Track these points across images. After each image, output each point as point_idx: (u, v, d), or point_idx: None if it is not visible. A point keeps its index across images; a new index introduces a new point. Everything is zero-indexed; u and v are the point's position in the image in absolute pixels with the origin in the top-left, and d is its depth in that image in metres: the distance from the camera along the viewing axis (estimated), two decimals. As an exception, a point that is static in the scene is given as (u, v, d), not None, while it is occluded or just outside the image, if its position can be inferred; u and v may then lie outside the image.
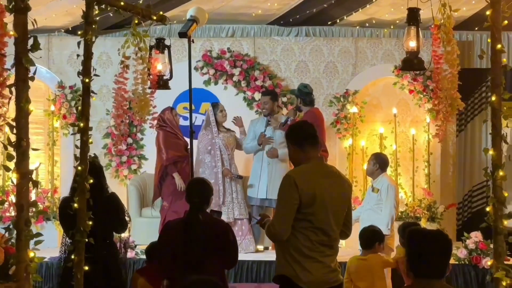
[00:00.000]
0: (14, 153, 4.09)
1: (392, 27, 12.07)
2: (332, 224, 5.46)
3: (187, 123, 9.98)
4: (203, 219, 6.11)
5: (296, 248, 5.43)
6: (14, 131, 4.13)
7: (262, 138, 10.36)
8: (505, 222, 4.90)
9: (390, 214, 9.04)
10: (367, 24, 12.20)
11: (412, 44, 7.22)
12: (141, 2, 9.29)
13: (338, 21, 12.18)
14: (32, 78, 4.18)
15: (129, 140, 11.97)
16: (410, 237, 4.14)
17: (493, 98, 4.88)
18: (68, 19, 11.55)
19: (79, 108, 5.20)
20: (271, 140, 10.38)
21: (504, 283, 4.77)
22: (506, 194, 4.88)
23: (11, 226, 4.18)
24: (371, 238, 7.53)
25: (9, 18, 4.47)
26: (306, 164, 5.53)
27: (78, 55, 5.58)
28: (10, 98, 4.19)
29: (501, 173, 4.86)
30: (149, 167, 11.64)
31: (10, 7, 4.12)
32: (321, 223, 5.41)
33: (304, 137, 5.57)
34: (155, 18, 6.52)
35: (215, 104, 10.76)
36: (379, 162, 9.29)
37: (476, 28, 11.88)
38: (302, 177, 5.42)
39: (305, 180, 5.40)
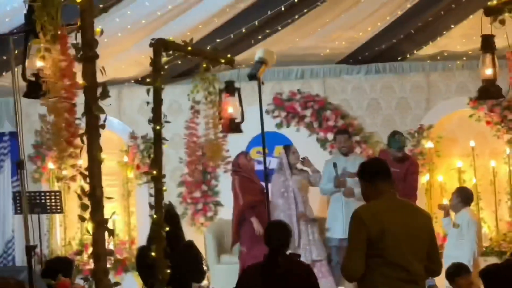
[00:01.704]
0: (88, 203, 4.05)
1: (464, 58, 11.88)
2: (410, 258, 5.31)
3: (261, 167, 9.93)
4: (283, 261, 6.02)
5: (375, 286, 5.32)
6: (88, 180, 4.10)
7: (338, 182, 10.26)
8: None
9: (471, 250, 8.86)
10: (438, 57, 12.03)
11: (489, 71, 7.03)
12: (208, 48, 9.38)
13: (408, 56, 12.05)
14: (103, 126, 4.15)
15: (204, 187, 11.96)
16: (485, 278, 3.95)
17: None
18: (137, 69, 11.67)
19: (152, 156, 5.16)
20: (349, 175, 10.24)
21: None
22: None
23: (89, 277, 4.13)
24: (452, 272, 7.47)
25: (78, 67, 4.46)
26: (376, 200, 5.46)
27: (148, 103, 5.57)
28: (82, 148, 4.15)
29: None
30: (225, 213, 11.59)
31: (79, 56, 4.12)
32: (395, 258, 5.28)
33: (376, 172, 5.53)
34: (223, 61, 6.49)
35: (287, 147, 10.72)
36: (461, 196, 9.19)
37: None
38: (369, 212, 5.37)
39: (372, 214, 5.34)
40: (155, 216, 5.26)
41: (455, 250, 8.93)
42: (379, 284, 5.31)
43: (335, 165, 10.28)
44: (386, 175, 5.52)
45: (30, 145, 11.84)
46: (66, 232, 11.90)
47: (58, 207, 10.64)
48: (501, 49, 7.72)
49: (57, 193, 10.75)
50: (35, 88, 4.96)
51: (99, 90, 4.20)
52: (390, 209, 5.40)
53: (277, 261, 6.01)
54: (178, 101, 11.82)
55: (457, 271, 7.45)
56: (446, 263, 8.01)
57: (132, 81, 12.15)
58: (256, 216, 10.31)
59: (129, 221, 11.83)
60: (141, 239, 11.50)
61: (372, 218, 5.31)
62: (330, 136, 11.81)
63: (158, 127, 5.28)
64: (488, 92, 7.17)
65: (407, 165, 10.30)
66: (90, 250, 11.13)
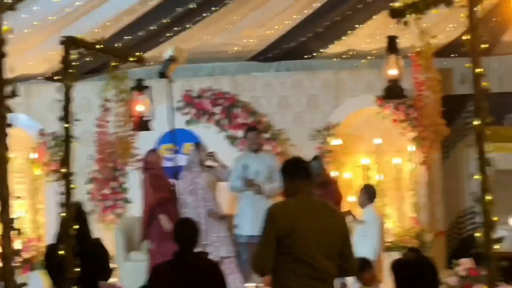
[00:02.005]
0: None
1: (370, 57, 12.08)
2: (318, 256, 5.41)
3: (171, 164, 9.95)
4: (192, 259, 6.08)
5: (284, 282, 5.43)
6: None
7: (248, 183, 10.35)
8: (496, 247, 4.86)
9: (375, 245, 9.05)
10: (346, 56, 12.21)
11: (393, 72, 7.21)
12: (118, 45, 9.35)
13: (317, 54, 12.21)
14: (10, 126, 4.13)
15: (113, 184, 11.90)
16: (395, 270, 4.05)
17: (477, 123, 4.87)
18: (46, 66, 11.52)
19: (62, 154, 5.13)
20: (257, 184, 10.37)
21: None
22: (496, 219, 4.85)
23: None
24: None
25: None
26: (292, 198, 5.58)
27: (58, 101, 5.54)
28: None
29: (489, 197, 4.83)
30: (134, 210, 11.56)
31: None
32: (303, 255, 5.39)
33: (296, 170, 5.63)
34: (133, 59, 6.50)
35: (198, 144, 10.77)
36: (367, 193, 9.38)
37: (454, 55, 11.91)
38: (280, 210, 5.51)
39: (283, 212, 5.47)
40: (64, 214, 5.24)
41: (360, 246, 9.06)
42: (287, 280, 5.41)
43: (246, 166, 10.37)
44: (306, 174, 5.63)
45: None
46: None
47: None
48: (406, 49, 7.94)
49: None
50: None
51: (8, 89, 4.17)
52: (303, 208, 5.51)
53: (186, 258, 6.07)
54: (88, 98, 11.67)
55: (361, 266, 7.60)
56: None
57: (42, 78, 11.99)
58: (165, 213, 10.30)
59: (36, 219, 11.68)
60: (49, 237, 11.39)
61: (283, 215, 5.43)
62: (239, 133, 11.88)
63: (68, 125, 5.25)
64: (392, 92, 7.35)
65: (330, 191, 10.40)
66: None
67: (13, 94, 4.14)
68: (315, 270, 5.41)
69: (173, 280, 6.04)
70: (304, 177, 5.61)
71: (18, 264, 10.22)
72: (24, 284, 4.11)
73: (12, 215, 4.09)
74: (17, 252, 4.08)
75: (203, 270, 6.12)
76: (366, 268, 7.63)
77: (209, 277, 6.11)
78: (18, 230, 4.09)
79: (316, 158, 10.54)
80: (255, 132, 10.75)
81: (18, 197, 4.29)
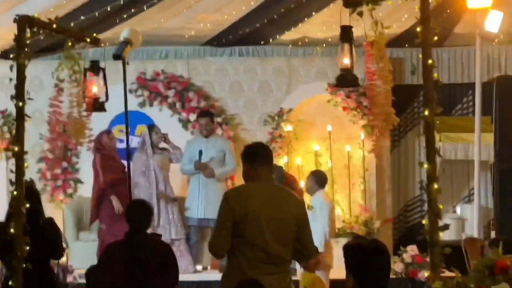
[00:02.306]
0: None
1: (324, 45, 12.18)
2: (270, 241, 5.50)
3: (123, 145, 9.95)
4: (143, 240, 6.13)
5: (237, 265, 5.54)
6: None
7: (197, 165, 10.40)
8: (441, 234, 4.98)
9: (323, 231, 9.10)
10: (300, 43, 12.31)
11: (346, 61, 7.28)
12: (72, 25, 9.32)
13: (271, 40, 12.27)
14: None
15: (64, 164, 11.86)
16: (353, 252, 4.09)
17: (427, 113, 4.97)
18: (-3, 43, 11.44)
19: (13, 132, 5.13)
20: (208, 167, 10.41)
21: (441, 294, 4.84)
22: (441, 207, 4.97)
23: None
24: None
25: None
26: (250, 183, 5.68)
27: (10, 79, 5.53)
28: None
29: (436, 186, 4.94)
30: (85, 190, 11.57)
31: None
32: (255, 239, 5.49)
33: (255, 155, 5.71)
34: (88, 40, 6.50)
35: (151, 126, 10.79)
36: (316, 179, 9.38)
37: (407, 45, 12.07)
38: (236, 195, 5.64)
39: (239, 197, 5.58)
40: (15, 192, 5.25)
41: (310, 231, 9.17)
42: (239, 263, 5.53)
43: (200, 152, 10.41)
44: (266, 160, 5.72)
45: None
46: None
47: None
48: (359, 37, 8.01)
49: None
50: None
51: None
52: (258, 193, 5.60)
53: (137, 239, 6.12)
54: (40, 77, 11.61)
55: None
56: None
57: (-7, 55, 11.88)
58: (116, 195, 10.33)
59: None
60: (-2, 215, 11.34)
61: (238, 200, 5.55)
62: (192, 116, 11.90)
63: (21, 104, 5.26)
64: (345, 80, 7.41)
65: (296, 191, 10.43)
66: None
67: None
68: (267, 254, 5.51)
69: (124, 261, 6.08)
70: (262, 163, 5.69)
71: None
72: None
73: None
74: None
75: (155, 251, 6.18)
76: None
77: (161, 258, 6.18)
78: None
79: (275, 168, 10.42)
80: (207, 118, 10.78)
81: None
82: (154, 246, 6.25)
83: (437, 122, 5.00)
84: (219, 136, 11.18)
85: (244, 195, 5.61)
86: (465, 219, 11.73)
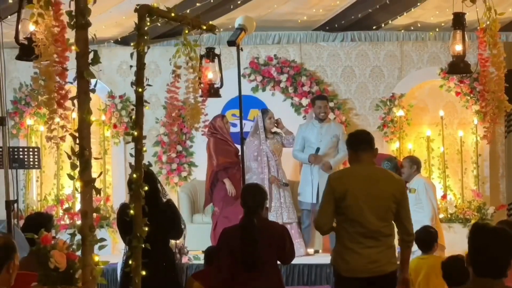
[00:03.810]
0: (77, 163, 4.24)
1: (437, 29, 12.07)
2: (368, 216, 6.03)
3: (236, 129, 10.12)
4: (259, 223, 6.28)
5: (340, 240, 6.18)
6: (77, 141, 4.29)
7: (313, 159, 10.51)
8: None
9: (431, 211, 9.22)
10: (412, 28, 12.23)
11: (458, 48, 7.29)
12: (188, 12, 9.52)
13: (383, 25, 12.23)
14: (93, 91, 4.35)
15: (179, 147, 12.12)
16: (473, 232, 4.14)
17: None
18: (117, 30, 11.76)
19: (132, 117, 5.31)
20: (322, 160, 10.48)
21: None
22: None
23: (76, 232, 4.33)
24: (429, 240, 7.60)
25: (69, 34, 4.63)
26: (351, 166, 6.30)
27: (131, 66, 5.73)
28: (72, 110, 4.34)
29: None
30: (199, 174, 11.82)
31: (72, 23, 4.27)
32: (354, 215, 6.05)
33: (359, 142, 6.26)
34: (205, 28, 6.64)
35: (265, 111, 10.89)
36: (414, 163, 9.61)
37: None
38: (338, 176, 6.32)
39: (340, 178, 6.24)
40: (134, 175, 5.43)
41: (416, 214, 9.16)
42: (342, 238, 6.16)
43: (317, 150, 10.49)
44: (368, 146, 6.24)
45: (9, 101, 11.91)
46: (42, 188, 12.07)
47: (36, 163, 10.82)
48: (473, 22, 7.94)
49: (36, 150, 10.92)
50: (27, 51, 5.14)
51: (90, 56, 4.38)
52: (359, 173, 6.17)
53: (253, 222, 6.27)
54: (156, 62, 11.96)
55: (434, 237, 7.66)
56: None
57: (112, 41, 12.24)
58: (229, 178, 10.52)
59: (105, 179, 11.97)
60: (116, 197, 11.71)
61: (338, 180, 6.18)
62: (304, 101, 12.01)
63: (140, 90, 5.43)
64: (457, 67, 7.43)
65: None
66: (65, 206, 11.25)
67: (96, 61, 4.34)
68: (365, 229, 6.06)
69: (241, 244, 6.26)
70: (365, 149, 6.22)
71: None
72: (103, 239, 4.33)
73: (92, 175, 4.31)
74: (97, 210, 4.29)
75: (270, 233, 6.34)
76: (436, 240, 7.68)
77: (276, 240, 6.34)
78: (99, 190, 4.30)
79: (390, 160, 10.07)
80: (324, 100, 10.88)
81: (96, 158, 4.51)
82: (270, 227, 6.44)
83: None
84: (332, 121, 11.21)
85: (345, 176, 6.28)
86: None
